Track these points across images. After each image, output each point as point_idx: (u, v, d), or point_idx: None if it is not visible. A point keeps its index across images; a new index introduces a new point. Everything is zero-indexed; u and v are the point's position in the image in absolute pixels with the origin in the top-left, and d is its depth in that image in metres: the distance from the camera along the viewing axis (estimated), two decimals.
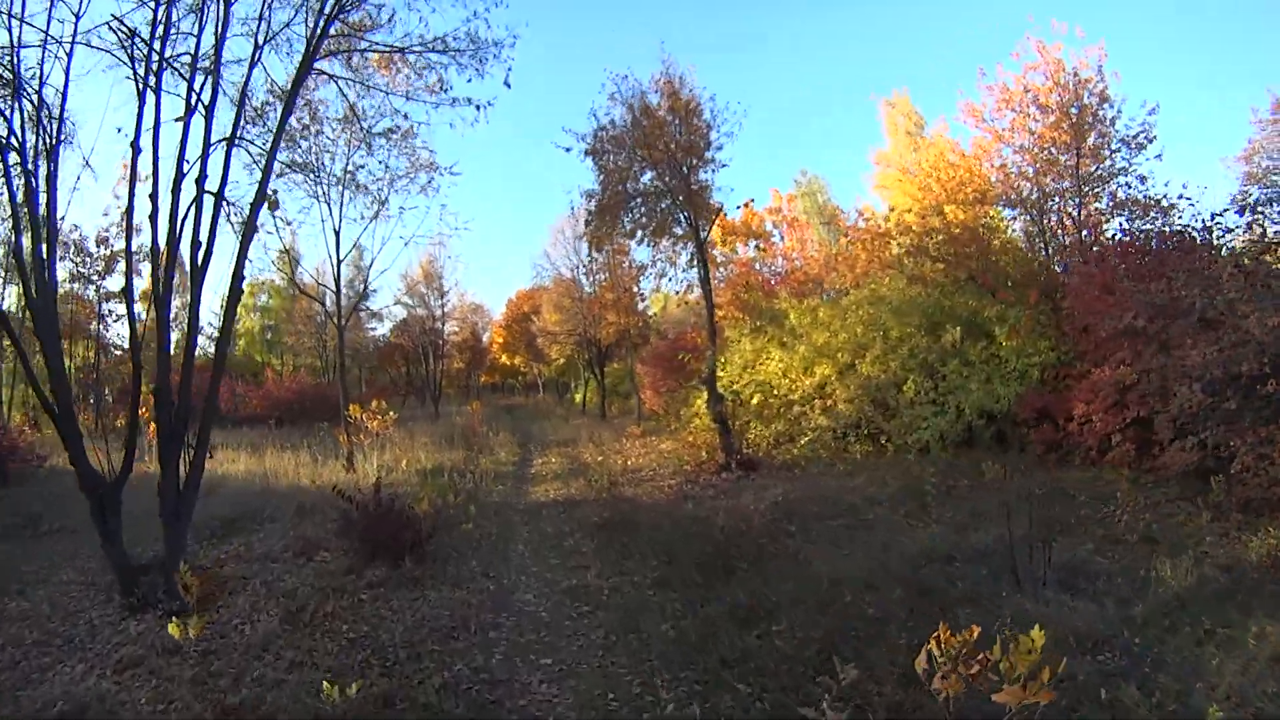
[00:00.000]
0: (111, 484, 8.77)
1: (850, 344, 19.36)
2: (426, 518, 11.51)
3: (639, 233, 19.86)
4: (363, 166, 19.91)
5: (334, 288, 20.97)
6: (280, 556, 11.16)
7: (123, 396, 46.09)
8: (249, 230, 9.75)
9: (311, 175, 18.41)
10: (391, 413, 23.42)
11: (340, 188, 20.07)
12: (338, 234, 20.35)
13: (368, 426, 19.21)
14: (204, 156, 9.35)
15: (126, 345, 43.32)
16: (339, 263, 20.23)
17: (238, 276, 9.73)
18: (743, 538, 10.95)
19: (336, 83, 13.66)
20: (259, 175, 10.29)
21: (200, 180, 9.27)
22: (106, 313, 40.20)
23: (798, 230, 32.79)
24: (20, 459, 19.75)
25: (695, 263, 19.77)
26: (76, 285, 39.47)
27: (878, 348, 18.63)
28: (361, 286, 55.67)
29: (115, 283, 39.75)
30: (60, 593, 9.95)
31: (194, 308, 9.55)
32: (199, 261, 9.32)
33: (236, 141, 10.07)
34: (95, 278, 38.91)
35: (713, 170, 19.49)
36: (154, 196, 9.00)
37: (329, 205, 20.15)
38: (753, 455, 18.59)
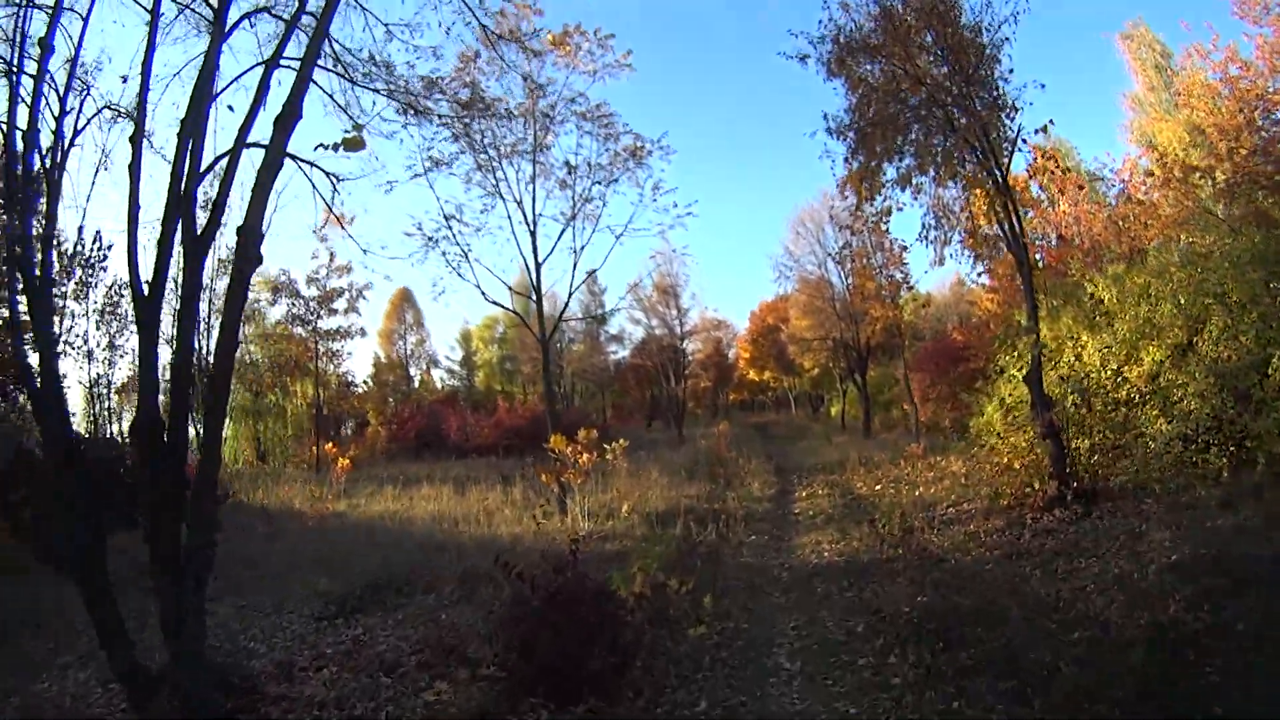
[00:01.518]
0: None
1: (1179, 317, 13.96)
2: (638, 607, 7.64)
3: (913, 180, 14.90)
4: (548, 148, 17.11)
5: (533, 297, 18.02)
6: (400, 666, 7.58)
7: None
8: (267, 172, 6.29)
9: (468, 143, 15.93)
10: (620, 440, 20.19)
11: (530, 183, 17.39)
12: (533, 234, 17.48)
13: (575, 461, 15.47)
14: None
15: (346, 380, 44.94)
16: (538, 267, 17.29)
17: (249, 248, 6.17)
18: (1164, 652, 5.99)
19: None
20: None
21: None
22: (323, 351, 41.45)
23: (1069, 192, 26.60)
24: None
25: (994, 213, 14.54)
26: (295, 327, 41.00)
27: (1218, 319, 13.03)
28: (599, 310, 56.70)
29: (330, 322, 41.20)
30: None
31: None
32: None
33: None
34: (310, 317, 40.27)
35: (1001, 78, 14.28)
36: None
37: (519, 204, 17.46)
38: (1089, 481, 13.44)
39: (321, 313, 41.15)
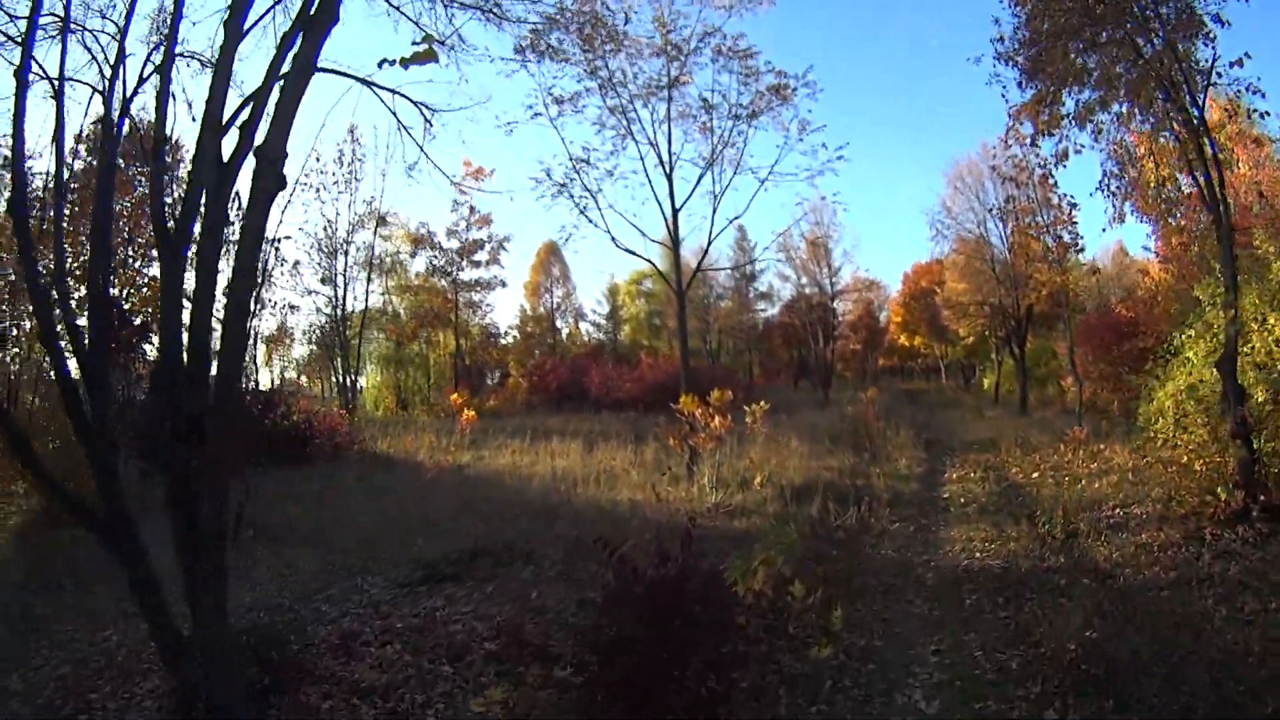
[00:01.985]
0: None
1: None
2: (755, 610, 6.80)
3: (1094, 115, 13.26)
4: (683, 85, 16.46)
5: (670, 244, 17.50)
6: (468, 653, 6.90)
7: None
8: (294, 85, 5.26)
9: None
10: (760, 403, 19.54)
11: (665, 123, 16.76)
12: (669, 178, 16.92)
13: (706, 425, 14.57)
14: None
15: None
16: (675, 213, 16.74)
17: (267, 170, 5.11)
18: None
19: None
20: None
21: None
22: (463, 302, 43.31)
23: (1248, 149, 23.79)
24: (338, 440, 21.12)
25: (1186, 160, 12.87)
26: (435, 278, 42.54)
27: None
28: (747, 266, 55.92)
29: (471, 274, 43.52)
30: None
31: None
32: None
33: None
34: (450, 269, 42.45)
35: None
36: None
37: (653, 146, 16.89)
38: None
39: (462, 264, 43.29)
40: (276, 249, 26.62)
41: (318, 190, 36.04)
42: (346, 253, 38.71)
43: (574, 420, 29.26)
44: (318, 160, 35.61)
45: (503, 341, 51.82)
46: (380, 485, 16.20)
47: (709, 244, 17.28)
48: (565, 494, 14.35)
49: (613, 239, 16.73)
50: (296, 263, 35.83)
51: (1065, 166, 14.04)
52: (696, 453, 14.97)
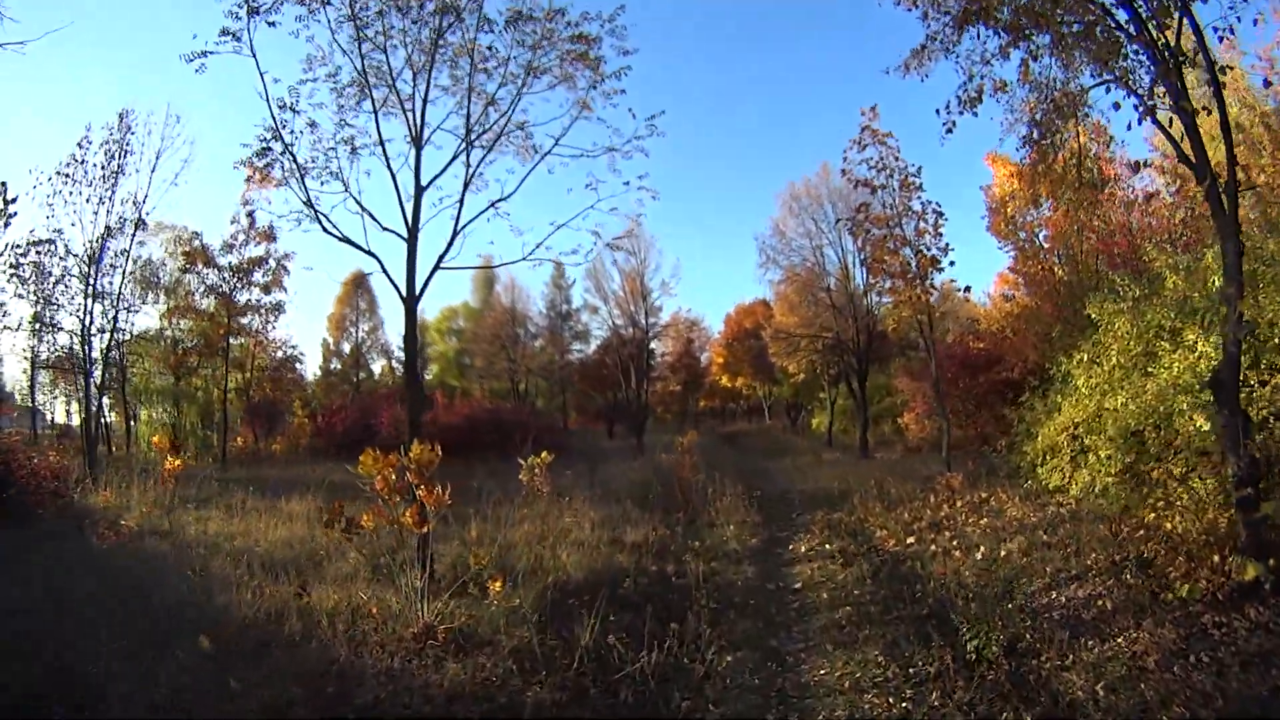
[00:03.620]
0: None
1: None
2: None
3: (1027, 37, 8.82)
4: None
5: (406, 234, 11.60)
6: None
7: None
8: None
9: None
10: (543, 454, 14.81)
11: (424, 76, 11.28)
12: (418, 146, 11.21)
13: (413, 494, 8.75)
14: None
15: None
16: (418, 194, 10.83)
17: None
18: None
19: None
20: None
21: None
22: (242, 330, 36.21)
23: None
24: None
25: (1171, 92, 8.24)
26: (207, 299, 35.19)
27: None
28: (564, 307, 51.38)
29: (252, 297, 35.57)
30: None
31: None
32: None
33: None
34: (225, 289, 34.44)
35: None
36: None
37: (404, 112, 11.23)
38: None
39: (238, 285, 34.90)
40: None
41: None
42: (98, 261, 29.73)
43: (342, 469, 23.17)
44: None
45: (306, 378, 46.62)
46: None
47: (456, 232, 10.73)
48: (230, 592, 8.72)
49: (318, 218, 10.54)
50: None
51: (976, 113, 9.51)
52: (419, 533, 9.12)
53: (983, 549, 10.50)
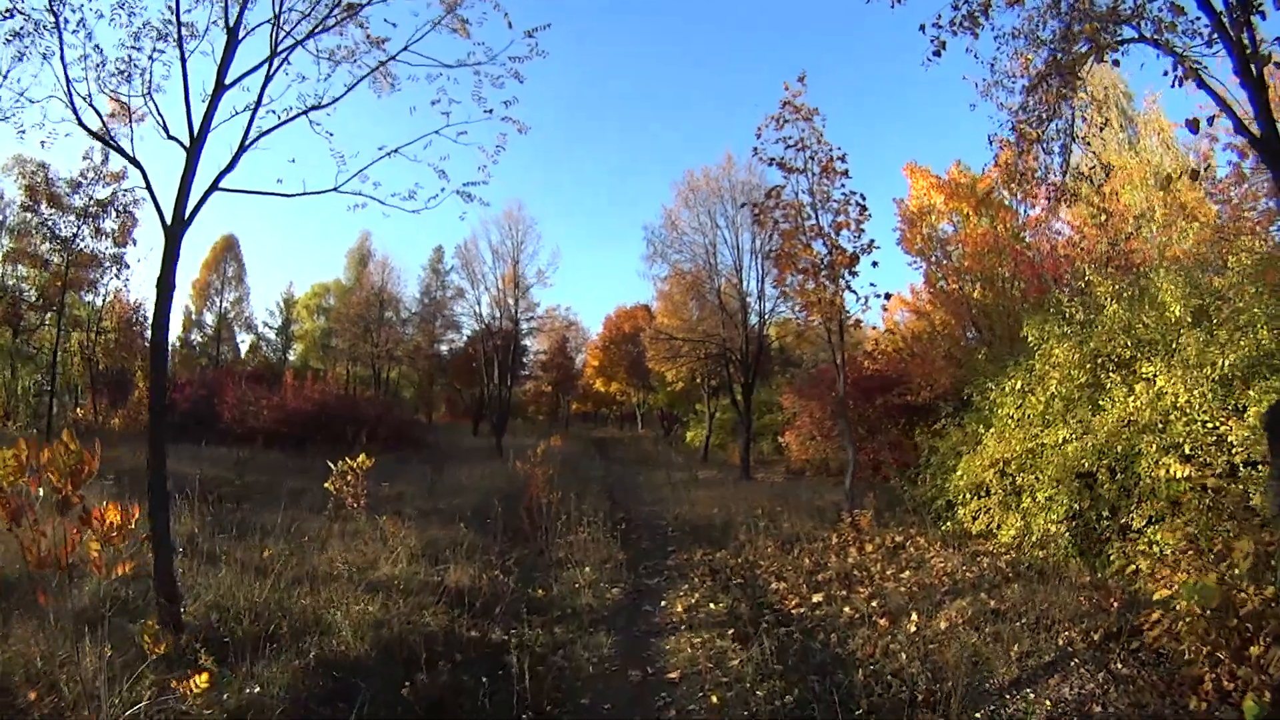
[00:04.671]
0: None
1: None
2: None
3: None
4: None
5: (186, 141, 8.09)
6: None
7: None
8: None
9: None
10: (361, 457, 11.51)
11: None
12: (233, 33, 7.81)
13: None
14: None
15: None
16: (216, 94, 7.36)
17: None
18: None
19: None
20: None
21: None
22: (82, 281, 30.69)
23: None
24: None
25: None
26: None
27: None
28: (439, 293, 47.70)
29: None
30: None
31: None
32: None
33: None
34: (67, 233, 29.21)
35: None
36: None
37: None
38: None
39: (81, 231, 29.45)
40: None
41: None
42: None
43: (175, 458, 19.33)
44: None
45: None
46: None
47: (245, 142, 7.49)
48: None
49: (77, 113, 7.05)
50: None
51: (976, 34, 7.08)
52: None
53: (914, 616, 7.95)
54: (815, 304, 14.11)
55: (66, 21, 7.30)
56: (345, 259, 55.28)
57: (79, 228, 28.58)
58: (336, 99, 8.29)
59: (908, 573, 9.92)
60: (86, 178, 28.32)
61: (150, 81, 7.74)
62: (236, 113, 7.69)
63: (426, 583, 8.52)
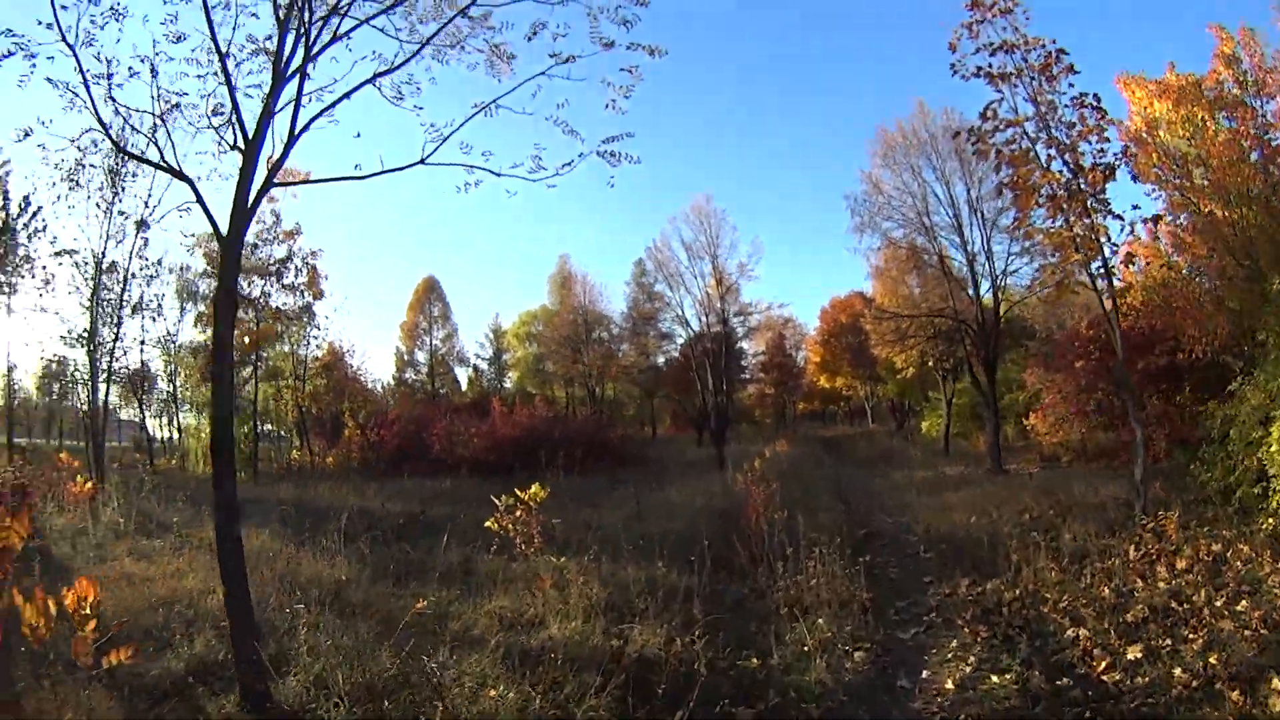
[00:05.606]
0: None
1: None
2: None
3: None
4: None
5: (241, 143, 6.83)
6: None
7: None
8: None
9: None
10: (534, 487, 10.14)
11: None
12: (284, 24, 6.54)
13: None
14: None
15: None
16: (268, 108, 6.14)
17: None
18: None
19: None
20: None
21: None
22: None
23: None
24: None
25: None
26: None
27: None
28: (648, 306, 46.77)
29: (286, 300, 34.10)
30: None
31: None
32: None
33: None
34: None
35: None
36: None
37: None
38: None
39: (269, 288, 32.33)
40: None
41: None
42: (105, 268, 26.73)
43: (352, 490, 20.52)
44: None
45: (376, 388, 44.75)
46: None
47: (297, 129, 6.17)
48: None
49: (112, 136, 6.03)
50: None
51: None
52: None
53: (1275, 681, 5.31)
54: (1069, 241, 11.13)
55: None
56: (547, 284, 55.77)
57: (262, 287, 31.10)
58: (408, 59, 6.79)
59: (1244, 603, 7.13)
60: (263, 239, 30.86)
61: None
62: (300, 105, 6.26)
63: (599, 650, 6.71)
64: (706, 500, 16.15)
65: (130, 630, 5.84)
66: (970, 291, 24.13)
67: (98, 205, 23.40)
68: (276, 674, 5.60)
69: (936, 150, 24.64)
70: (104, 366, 26.64)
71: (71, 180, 22.11)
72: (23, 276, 24.22)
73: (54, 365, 33.65)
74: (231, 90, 6.15)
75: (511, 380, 58.50)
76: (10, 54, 6.14)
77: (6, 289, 23.84)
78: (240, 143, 6.21)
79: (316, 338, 35.83)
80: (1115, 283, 12.08)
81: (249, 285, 30.73)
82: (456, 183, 7.15)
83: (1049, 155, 11.51)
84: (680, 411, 55.50)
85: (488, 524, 9.94)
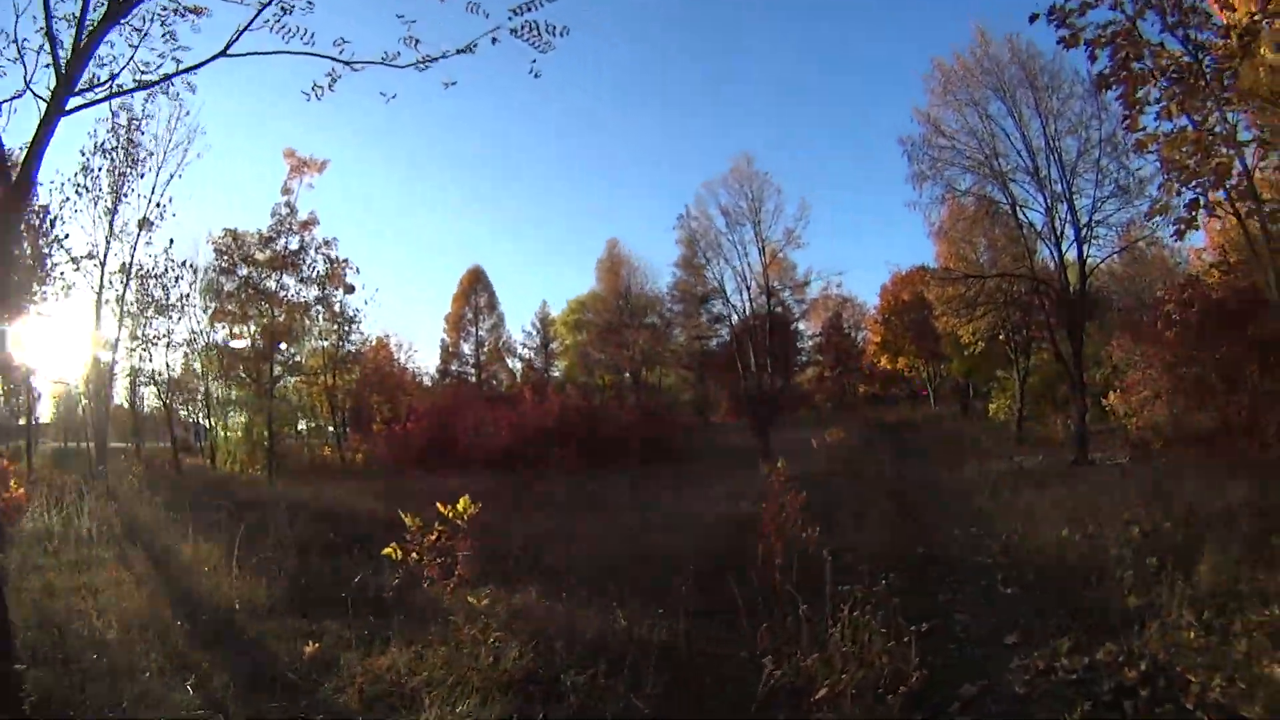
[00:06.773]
0: None
1: None
2: None
3: None
4: None
5: None
6: None
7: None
8: None
9: None
10: (462, 501, 7.42)
11: None
12: None
13: None
14: None
15: None
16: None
17: None
18: None
19: None
20: None
21: None
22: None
23: None
24: None
25: None
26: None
27: None
28: (699, 289, 44.53)
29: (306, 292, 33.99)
30: None
31: None
32: None
33: None
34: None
35: None
36: None
37: None
38: None
39: (287, 281, 32.43)
40: None
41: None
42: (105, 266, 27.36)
43: (356, 488, 20.26)
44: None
45: (423, 382, 45.33)
46: None
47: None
48: None
49: None
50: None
51: None
52: None
53: None
54: (1204, 148, 7.94)
55: None
56: (595, 269, 54.58)
57: (279, 280, 31.45)
58: None
59: None
60: (277, 231, 31.27)
61: None
62: None
63: None
64: (729, 506, 13.49)
65: None
66: (1049, 249, 20.98)
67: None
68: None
69: (1003, 81, 21.85)
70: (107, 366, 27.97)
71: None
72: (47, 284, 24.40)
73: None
74: None
75: (560, 369, 57.57)
76: None
77: (39, 298, 23.78)
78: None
79: (349, 330, 35.18)
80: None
81: (262, 277, 31.27)
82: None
83: (1161, 29, 8.34)
84: (733, 397, 53.01)
85: (385, 551, 7.44)
